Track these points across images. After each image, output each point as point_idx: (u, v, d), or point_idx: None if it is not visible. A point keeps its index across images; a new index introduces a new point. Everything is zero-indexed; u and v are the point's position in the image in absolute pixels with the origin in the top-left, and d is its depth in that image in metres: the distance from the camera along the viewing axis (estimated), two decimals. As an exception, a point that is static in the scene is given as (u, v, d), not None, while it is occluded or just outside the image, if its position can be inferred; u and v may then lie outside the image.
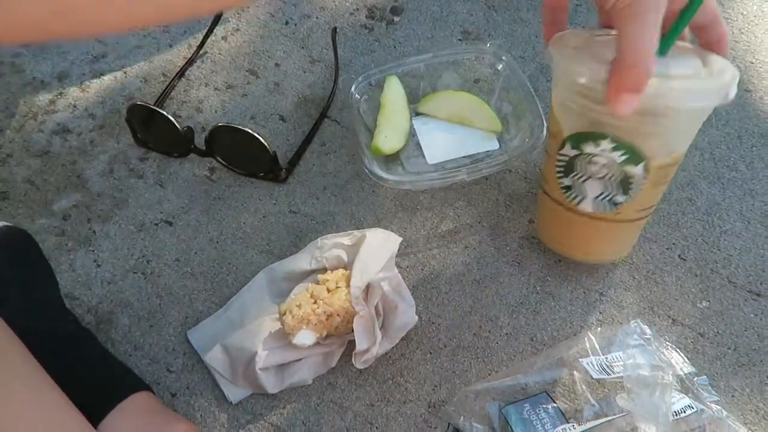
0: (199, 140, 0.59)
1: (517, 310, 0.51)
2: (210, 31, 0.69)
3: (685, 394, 0.44)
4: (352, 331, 0.45)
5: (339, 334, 0.47)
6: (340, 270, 0.48)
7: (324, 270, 0.50)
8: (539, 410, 0.44)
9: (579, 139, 0.42)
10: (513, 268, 0.53)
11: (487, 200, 0.57)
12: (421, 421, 0.46)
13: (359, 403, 0.47)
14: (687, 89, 0.38)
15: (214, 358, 0.48)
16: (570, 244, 0.51)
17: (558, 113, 0.44)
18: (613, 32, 0.40)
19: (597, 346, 0.47)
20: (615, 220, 0.46)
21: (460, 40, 0.69)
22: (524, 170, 0.59)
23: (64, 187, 0.60)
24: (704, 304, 0.51)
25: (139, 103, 0.57)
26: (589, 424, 0.43)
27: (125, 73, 0.68)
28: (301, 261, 0.51)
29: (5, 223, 0.50)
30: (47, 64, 0.69)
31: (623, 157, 0.41)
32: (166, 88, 0.65)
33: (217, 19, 0.70)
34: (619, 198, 0.44)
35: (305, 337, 0.45)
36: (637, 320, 0.48)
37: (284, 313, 0.45)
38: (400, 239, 0.50)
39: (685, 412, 0.43)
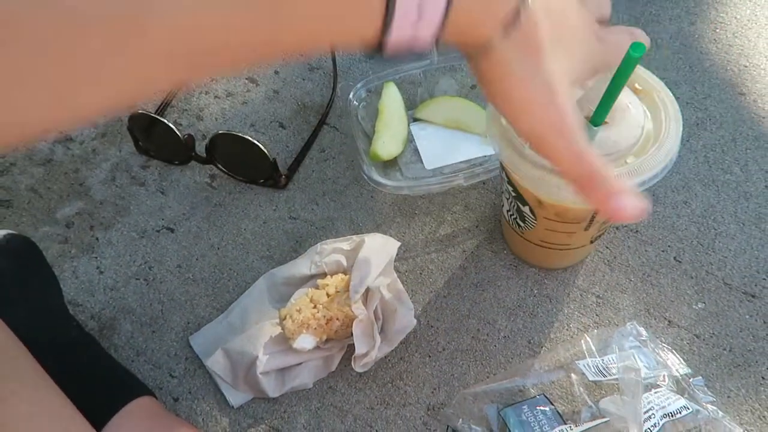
0: (200, 148, 0.59)
1: (514, 313, 0.52)
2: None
3: (681, 395, 0.45)
4: (352, 335, 0.45)
5: (339, 338, 0.48)
6: (340, 275, 0.49)
7: (323, 275, 0.50)
8: (537, 412, 0.45)
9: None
10: (510, 272, 0.54)
11: (485, 205, 0.58)
12: (421, 424, 0.47)
13: (359, 406, 0.48)
14: (651, 175, 0.39)
15: (216, 363, 0.48)
16: (520, 254, 0.54)
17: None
18: None
19: (593, 348, 0.47)
20: (549, 246, 0.49)
21: (456, 46, 0.70)
22: (521, 175, 0.60)
23: (67, 195, 0.61)
24: (700, 306, 0.51)
25: (140, 111, 0.58)
26: (586, 425, 0.43)
27: (126, 81, 0.69)
28: (301, 266, 0.52)
29: (9, 231, 0.50)
30: (49, 73, 0.69)
31: (513, 194, 0.46)
32: (166, 97, 0.66)
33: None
34: (520, 223, 0.49)
35: (305, 342, 0.46)
36: (633, 322, 0.49)
37: (284, 318, 0.46)
38: (399, 244, 0.50)
39: (680, 413, 0.43)
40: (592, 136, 0.40)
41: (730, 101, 0.63)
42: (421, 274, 0.54)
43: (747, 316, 0.51)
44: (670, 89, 0.43)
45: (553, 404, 0.45)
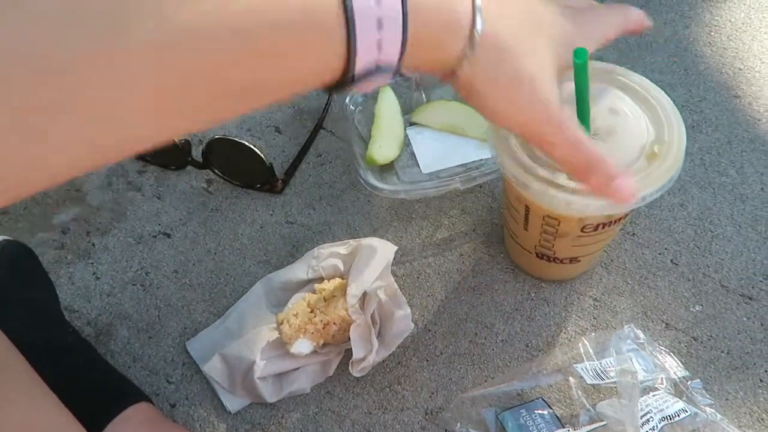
0: (196, 153, 0.59)
1: (512, 317, 0.52)
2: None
3: (679, 398, 0.45)
4: (349, 339, 0.45)
5: (336, 342, 0.48)
6: (337, 279, 0.49)
7: (321, 279, 0.50)
8: (535, 416, 0.45)
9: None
10: (508, 275, 0.54)
11: (482, 208, 0.58)
12: (419, 428, 0.47)
13: (357, 411, 0.48)
14: (650, 192, 0.38)
15: (213, 368, 0.48)
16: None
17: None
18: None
19: (591, 351, 0.47)
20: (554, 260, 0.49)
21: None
22: (518, 178, 0.60)
23: (63, 200, 0.60)
24: (697, 309, 0.51)
25: (136, 117, 0.58)
26: (584, 429, 0.43)
27: (123, 87, 0.69)
28: (298, 271, 0.52)
29: (5, 237, 0.50)
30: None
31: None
32: (163, 102, 0.66)
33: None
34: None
35: (303, 346, 0.46)
36: (630, 325, 0.49)
37: (282, 323, 0.46)
38: (396, 248, 0.50)
39: (679, 415, 0.43)
40: None
41: (725, 104, 0.63)
42: (418, 278, 0.54)
43: (744, 319, 0.51)
44: (665, 92, 0.43)
45: (551, 408, 0.45)
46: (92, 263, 0.56)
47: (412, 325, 0.48)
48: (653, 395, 0.44)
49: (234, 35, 0.20)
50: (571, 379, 0.47)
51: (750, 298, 0.52)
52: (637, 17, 0.40)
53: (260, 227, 0.58)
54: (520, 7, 0.31)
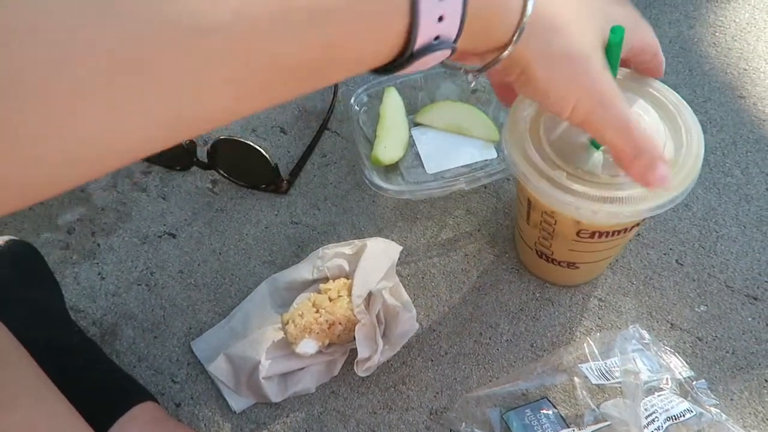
0: (201, 153, 0.59)
1: (517, 317, 0.52)
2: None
3: (684, 398, 0.45)
4: (354, 339, 0.45)
5: (341, 342, 0.48)
6: (342, 279, 0.49)
7: (326, 279, 0.50)
8: (540, 416, 0.45)
9: None
10: (512, 275, 0.54)
11: (486, 208, 0.58)
12: (423, 428, 0.47)
13: (362, 410, 0.48)
14: (659, 203, 0.38)
15: (218, 368, 0.48)
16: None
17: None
18: None
19: (596, 351, 0.47)
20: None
21: (457, 51, 0.70)
22: (522, 178, 0.60)
23: (69, 201, 0.61)
24: (702, 309, 0.51)
25: (142, 117, 0.58)
26: (589, 429, 0.43)
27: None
28: (303, 271, 0.52)
29: (11, 237, 0.51)
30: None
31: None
32: (168, 103, 0.66)
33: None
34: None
35: (308, 346, 0.46)
36: (635, 325, 0.49)
37: (287, 323, 0.46)
38: (401, 248, 0.50)
39: (684, 416, 0.43)
40: (590, 156, 0.40)
41: (730, 104, 0.63)
42: (423, 278, 0.54)
43: (750, 319, 0.51)
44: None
45: (556, 408, 0.45)
46: (97, 263, 0.56)
47: (417, 325, 0.48)
48: (658, 395, 0.44)
49: (310, 19, 0.21)
50: (576, 379, 0.47)
51: (755, 299, 0.51)
52: (657, 43, 0.39)
53: (265, 227, 0.58)
54: None
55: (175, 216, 0.59)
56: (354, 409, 0.48)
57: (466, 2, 0.25)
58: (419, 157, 0.60)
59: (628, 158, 0.33)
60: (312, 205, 0.59)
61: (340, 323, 0.46)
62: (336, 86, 0.67)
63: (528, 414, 0.45)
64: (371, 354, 0.46)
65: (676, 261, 0.54)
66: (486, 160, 0.59)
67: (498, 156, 0.60)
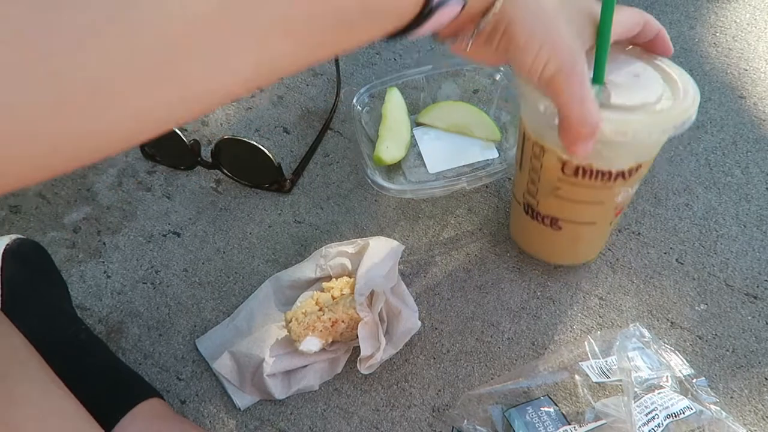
0: (205, 153, 0.60)
1: (518, 315, 0.52)
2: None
3: (684, 396, 0.45)
4: (357, 337, 0.46)
5: (344, 340, 0.49)
6: (345, 277, 0.49)
7: (329, 278, 0.51)
8: (541, 413, 0.45)
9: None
10: (514, 274, 0.54)
11: (488, 208, 0.59)
12: (426, 426, 0.47)
13: (365, 408, 0.48)
14: (653, 122, 0.39)
15: (223, 366, 0.49)
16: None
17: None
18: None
19: (597, 349, 0.48)
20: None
21: (459, 51, 0.70)
22: (523, 178, 0.60)
23: (75, 200, 0.61)
24: (702, 307, 0.52)
25: (146, 117, 0.59)
26: (590, 426, 0.44)
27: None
28: (306, 269, 0.52)
29: (19, 236, 0.51)
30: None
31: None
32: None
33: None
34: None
35: (311, 344, 0.46)
36: (636, 324, 0.49)
37: (290, 321, 0.46)
38: (403, 247, 0.51)
39: (684, 413, 0.44)
40: (599, 94, 0.40)
41: (730, 104, 0.64)
42: (425, 276, 0.55)
43: (749, 318, 0.51)
44: None
45: (557, 405, 0.46)
46: (103, 262, 0.57)
47: (419, 323, 0.49)
48: (659, 393, 0.44)
49: None
50: (576, 377, 0.47)
51: (755, 297, 0.52)
52: (657, 24, 0.42)
53: (269, 226, 0.59)
54: None
55: (179, 215, 0.60)
56: (357, 406, 0.48)
57: None
58: (421, 156, 0.61)
59: (573, 126, 0.36)
60: (315, 204, 0.60)
61: (343, 321, 0.46)
62: (338, 87, 0.67)
63: (529, 411, 0.45)
64: (374, 352, 0.46)
65: (677, 260, 0.54)
66: (487, 160, 0.60)
67: (499, 156, 0.60)
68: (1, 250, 0.49)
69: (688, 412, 0.44)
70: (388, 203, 0.59)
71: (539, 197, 0.48)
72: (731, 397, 0.47)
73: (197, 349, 0.51)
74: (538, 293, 0.53)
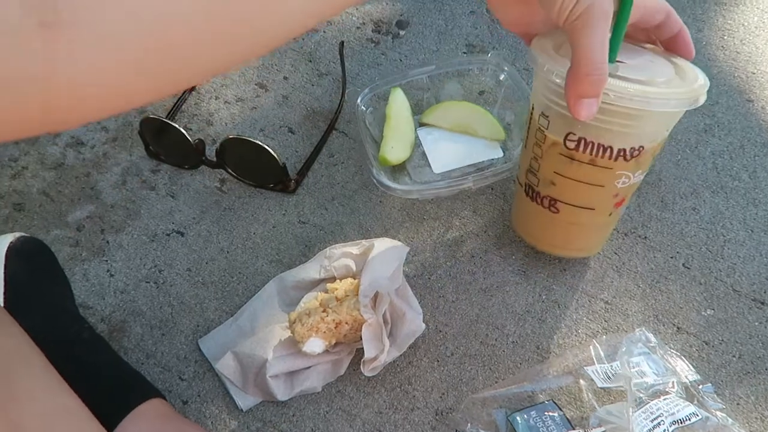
0: (210, 152, 0.60)
1: (523, 319, 0.52)
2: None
3: (690, 402, 0.45)
4: (361, 339, 0.46)
5: (348, 341, 0.48)
6: (349, 279, 0.49)
7: (333, 279, 0.50)
8: (545, 418, 0.45)
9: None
10: (519, 277, 0.54)
11: (493, 210, 0.58)
12: (429, 429, 0.47)
13: (368, 410, 0.48)
14: (660, 94, 0.40)
15: (225, 366, 0.49)
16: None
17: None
18: None
19: (602, 354, 0.47)
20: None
21: (464, 53, 0.70)
22: (529, 180, 0.60)
23: (78, 198, 0.61)
24: (709, 313, 0.51)
25: (151, 116, 0.59)
26: (594, 431, 0.43)
27: (137, 86, 0.69)
28: (310, 270, 0.52)
29: (22, 234, 0.51)
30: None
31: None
32: (177, 102, 0.66)
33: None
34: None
35: (315, 345, 0.46)
36: (642, 328, 0.49)
37: (294, 322, 0.46)
38: (408, 248, 0.50)
39: (690, 419, 0.43)
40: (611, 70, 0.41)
41: (738, 108, 0.63)
42: (429, 278, 0.54)
43: (756, 323, 0.50)
44: None
45: (561, 410, 0.45)
46: (106, 261, 0.57)
47: (423, 325, 0.49)
48: (664, 399, 0.44)
49: None
50: (581, 381, 0.47)
51: (762, 303, 0.51)
52: (679, 21, 0.43)
53: (273, 227, 0.58)
54: None
55: (183, 214, 0.59)
56: (360, 408, 0.48)
57: None
58: (426, 156, 0.60)
59: (582, 70, 0.37)
60: (319, 204, 0.59)
61: (346, 323, 0.46)
62: (344, 87, 0.67)
63: (533, 416, 0.45)
64: (378, 354, 0.46)
65: (683, 264, 0.54)
66: (492, 159, 0.60)
67: (504, 155, 0.60)
68: (5, 248, 0.49)
69: (693, 419, 0.43)
70: (392, 204, 0.59)
71: (540, 174, 0.47)
72: (737, 404, 0.47)
73: (200, 349, 0.51)
74: (543, 296, 0.53)
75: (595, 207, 0.47)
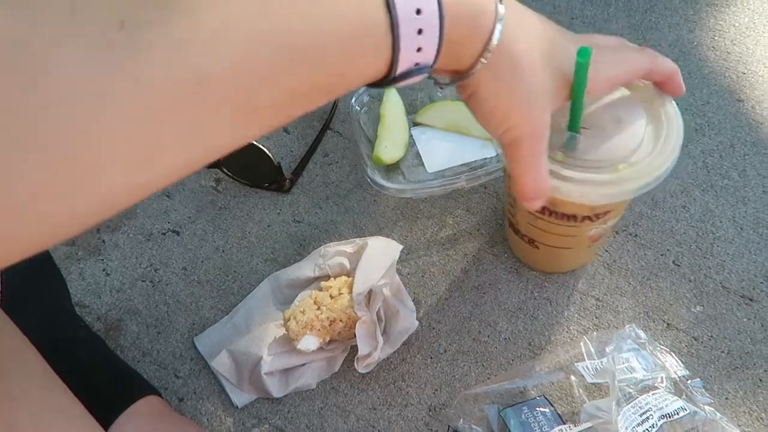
0: (205, 152, 0.60)
1: (515, 316, 0.52)
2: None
3: (679, 397, 0.45)
4: (355, 336, 0.46)
5: (342, 339, 0.49)
6: (343, 277, 0.50)
7: (327, 277, 0.51)
8: (537, 413, 0.46)
9: None
10: (511, 275, 0.54)
11: (486, 208, 0.59)
12: (422, 425, 0.48)
13: (362, 406, 0.48)
14: (602, 193, 0.40)
15: (221, 364, 0.49)
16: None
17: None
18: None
19: (592, 350, 0.48)
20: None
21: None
22: (522, 179, 0.61)
23: (74, 198, 0.61)
24: (698, 309, 0.52)
25: (147, 116, 0.59)
26: (584, 425, 0.44)
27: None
28: (305, 269, 0.53)
29: (18, 234, 0.51)
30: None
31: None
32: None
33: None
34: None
35: (309, 343, 0.47)
36: (632, 325, 0.49)
37: (288, 319, 0.47)
38: (401, 247, 0.51)
39: (678, 414, 0.44)
40: (573, 143, 0.41)
41: (728, 108, 0.64)
42: (423, 276, 0.55)
43: (745, 319, 0.51)
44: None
45: (552, 405, 0.46)
46: (102, 260, 0.57)
47: (417, 322, 0.49)
48: (653, 394, 0.45)
49: (304, 63, 0.24)
50: (572, 377, 0.47)
51: (750, 300, 0.52)
52: (668, 70, 0.40)
53: (268, 226, 0.59)
54: (539, 33, 0.34)
55: (179, 213, 0.60)
56: (354, 404, 0.49)
57: (441, 37, 0.28)
58: (419, 156, 0.61)
59: (526, 195, 0.37)
60: (314, 203, 0.60)
61: (340, 320, 0.46)
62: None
63: (525, 411, 0.46)
64: (371, 351, 0.46)
65: (673, 262, 0.55)
66: (485, 159, 0.60)
67: (497, 154, 0.61)
68: (1, 247, 0.49)
69: (682, 413, 0.44)
70: (386, 203, 0.60)
71: (516, 218, 0.49)
72: (726, 398, 0.48)
73: (195, 347, 0.52)
74: (535, 294, 0.53)
75: (572, 247, 0.49)
